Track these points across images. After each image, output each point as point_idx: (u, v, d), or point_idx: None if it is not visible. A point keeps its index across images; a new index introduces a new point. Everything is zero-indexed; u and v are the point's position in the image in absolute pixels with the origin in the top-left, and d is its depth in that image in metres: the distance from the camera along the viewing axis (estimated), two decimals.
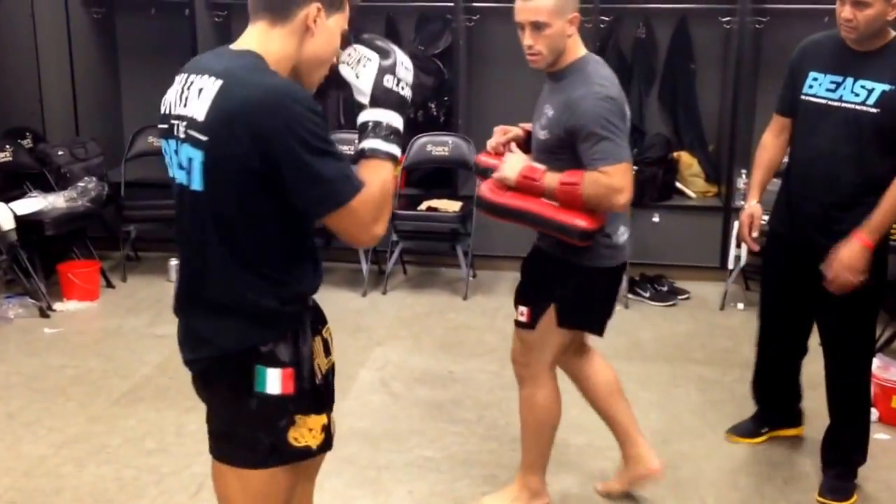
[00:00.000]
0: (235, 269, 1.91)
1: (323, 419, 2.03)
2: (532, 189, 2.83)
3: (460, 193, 5.82)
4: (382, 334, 4.92)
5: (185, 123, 1.87)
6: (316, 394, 2.01)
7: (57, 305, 5.17)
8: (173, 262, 5.64)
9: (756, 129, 5.82)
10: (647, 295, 5.46)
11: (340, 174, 1.84)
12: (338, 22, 1.96)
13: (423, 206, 5.57)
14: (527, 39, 2.78)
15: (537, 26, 2.75)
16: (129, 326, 4.99)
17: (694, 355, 4.70)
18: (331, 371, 2.11)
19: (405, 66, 1.99)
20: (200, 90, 1.85)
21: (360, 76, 1.95)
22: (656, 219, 5.77)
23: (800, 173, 3.31)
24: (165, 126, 1.96)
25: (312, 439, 2.01)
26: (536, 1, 2.74)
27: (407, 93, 1.99)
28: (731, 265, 5.34)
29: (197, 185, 1.87)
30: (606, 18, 5.78)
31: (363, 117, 1.96)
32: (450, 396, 4.16)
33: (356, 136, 2.01)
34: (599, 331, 3.19)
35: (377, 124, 1.94)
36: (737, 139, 5.63)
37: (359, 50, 1.98)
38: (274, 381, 1.94)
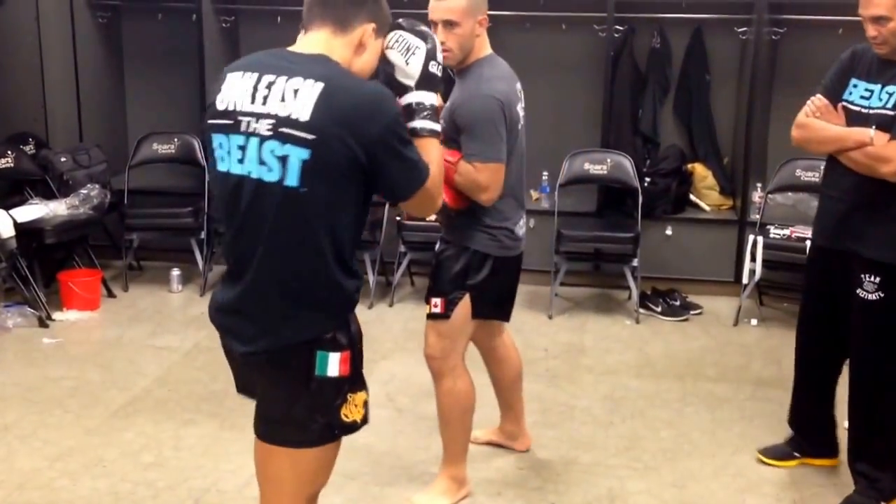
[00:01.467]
0: (321, 259, 2.05)
1: (364, 395, 2.20)
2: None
3: None
4: (389, 347, 4.81)
5: (271, 121, 2.00)
6: (360, 373, 2.19)
7: (56, 315, 5.08)
8: (175, 272, 5.56)
9: (771, 142, 5.73)
10: (659, 309, 5.34)
11: (419, 160, 2.11)
12: (381, 44, 2.20)
13: (432, 217, 5.45)
14: (439, 36, 2.87)
15: (449, 24, 2.96)
16: (130, 337, 4.89)
17: (706, 372, 4.58)
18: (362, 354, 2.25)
19: (439, 48, 2.27)
20: (295, 91, 1.99)
21: (410, 62, 2.20)
22: (669, 231, 5.67)
23: (836, 181, 3.31)
24: (229, 122, 2.06)
25: (357, 414, 2.18)
26: (448, 2, 2.96)
27: (440, 73, 2.26)
28: (745, 280, 5.22)
29: (292, 181, 1.99)
30: (620, 28, 5.69)
31: (409, 99, 2.21)
32: None
33: None
34: (506, 317, 3.43)
35: (421, 104, 2.21)
36: (752, 152, 5.52)
37: (405, 37, 2.21)
38: (334, 365, 2.10)
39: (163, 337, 4.87)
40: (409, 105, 2.20)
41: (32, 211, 5.07)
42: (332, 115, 1.98)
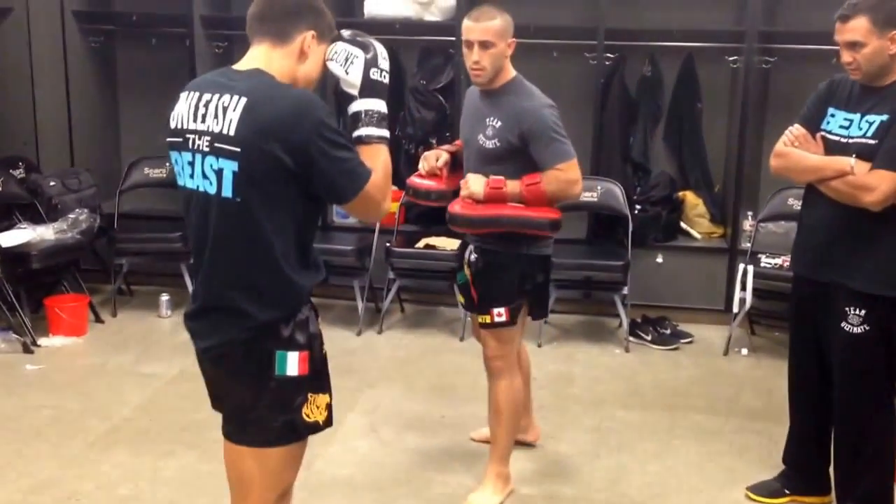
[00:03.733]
0: (269, 258, 2.15)
1: (327, 398, 2.30)
2: (499, 197, 3.25)
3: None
4: (375, 376, 4.77)
5: (208, 138, 2.12)
6: (322, 375, 2.28)
7: (42, 340, 5.03)
8: (164, 297, 5.53)
9: (763, 171, 5.68)
10: (649, 338, 5.30)
11: (357, 163, 2.16)
12: (324, 49, 2.28)
13: (421, 243, 5.44)
14: (474, 56, 3.21)
15: (485, 45, 3.19)
16: (114, 364, 4.85)
17: (694, 403, 4.53)
18: (326, 357, 2.34)
19: (384, 57, 2.29)
20: (224, 108, 2.11)
21: (350, 72, 2.25)
22: (660, 259, 5.64)
23: (813, 212, 3.29)
24: (179, 139, 2.20)
25: (320, 415, 2.27)
26: (486, 23, 3.20)
27: (387, 80, 2.29)
28: (735, 308, 5.18)
29: (227, 192, 2.11)
30: (611, 56, 5.67)
31: (355, 107, 2.26)
32: (439, 443, 4.01)
33: None
34: (547, 313, 3.77)
35: (368, 112, 2.25)
36: (743, 180, 5.50)
37: (343, 47, 2.27)
38: (293, 364, 2.19)
39: (148, 363, 4.83)
40: (355, 113, 2.26)
41: (18, 235, 5.03)
42: (254, 127, 2.08)
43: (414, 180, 3.49)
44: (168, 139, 2.22)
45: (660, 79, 5.86)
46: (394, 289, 5.46)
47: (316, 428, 2.27)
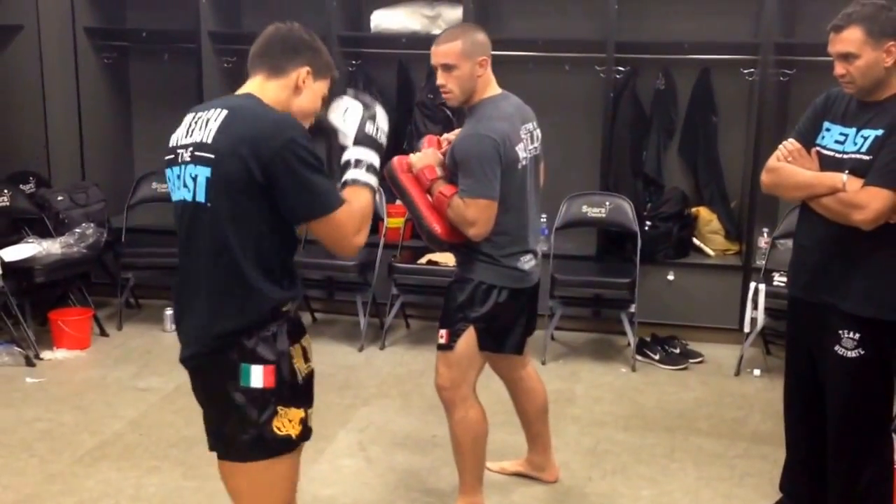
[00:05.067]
0: (235, 266, 2.19)
1: (301, 413, 2.29)
2: (422, 181, 3.23)
3: None
4: (371, 393, 4.71)
5: (190, 148, 2.21)
6: (294, 390, 2.28)
7: (45, 354, 5.05)
8: (168, 311, 5.52)
9: None
10: (657, 357, 5.17)
11: (329, 187, 2.21)
12: (321, 87, 2.38)
13: (424, 259, 5.38)
14: (439, 79, 3.19)
15: (447, 67, 3.16)
16: (113, 378, 4.84)
17: (698, 425, 4.40)
18: (311, 375, 2.36)
19: (384, 118, 2.41)
20: (207, 120, 2.21)
21: (346, 120, 2.36)
22: (671, 276, 5.51)
23: (809, 230, 3.18)
24: (171, 156, 2.29)
25: (292, 429, 2.27)
26: (445, 46, 3.16)
27: (384, 140, 2.40)
28: (747, 328, 5.04)
29: (200, 197, 2.19)
30: (622, 69, 5.58)
31: (347, 156, 2.35)
32: (428, 463, 3.93)
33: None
34: (518, 350, 3.46)
35: (358, 161, 2.34)
36: (759, 195, 5.34)
37: (345, 101, 2.39)
38: (257, 376, 2.22)
39: (146, 378, 4.82)
40: (346, 161, 2.34)
41: (22, 250, 5.05)
42: (230, 136, 2.17)
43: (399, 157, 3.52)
44: (165, 157, 2.32)
45: (674, 92, 5.75)
46: (397, 304, 5.41)
47: (289, 442, 2.27)
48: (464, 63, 3.14)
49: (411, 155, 3.32)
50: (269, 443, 2.25)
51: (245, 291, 2.21)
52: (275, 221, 2.21)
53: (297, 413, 2.28)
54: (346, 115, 2.37)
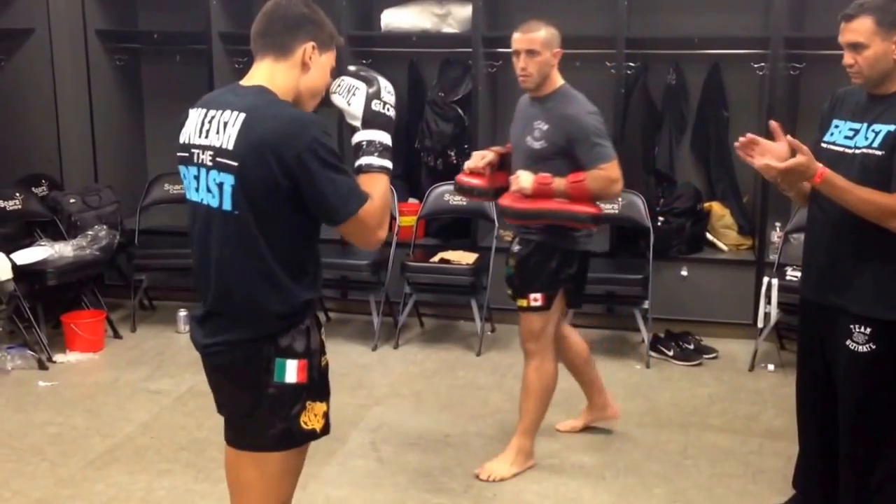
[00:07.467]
0: (265, 268, 2.20)
1: (325, 406, 2.34)
2: (545, 192, 3.56)
3: (479, 245, 5.61)
4: (384, 392, 4.70)
5: (210, 152, 2.18)
6: (321, 383, 2.32)
7: (58, 356, 5.06)
8: (181, 312, 5.53)
9: None
10: (671, 353, 5.14)
11: (352, 188, 2.19)
12: (328, 59, 2.33)
13: (437, 258, 5.37)
14: (521, 63, 3.59)
15: (531, 53, 3.57)
16: (125, 380, 4.84)
17: (712, 422, 4.37)
18: (328, 368, 2.38)
19: (388, 91, 2.35)
20: (225, 123, 2.17)
21: (352, 103, 2.31)
22: (684, 272, 5.48)
23: (815, 231, 3.13)
24: (185, 154, 2.27)
25: (317, 423, 2.32)
26: (531, 34, 3.58)
27: (392, 113, 2.35)
28: (760, 323, 5.00)
29: (227, 205, 2.18)
30: (633, 65, 5.55)
31: (357, 138, 2.31)
32: (440, 463, 3.92)
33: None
34: (581, 304, 4.08)
35: (370, 143, 2.30)
36: (771, 190, 5.30)
37: (347, 80, 2.33)
38: (292, 371, 2.25)
39: (159, 380, 4.83)
40: (358, 144, 2.31)
41: (35, 253, 5.07)
42: (251, 143, 2.14)
43: (460, 177, 3.85)
44: (178, 154, 2.31)
45: (684, 87, 5.72)
46: (410, 303, 5.40)
47: (313, 435, 2.32)
48: (545, 51, 3.56)
49: (511, 186, 3.62)
50: (295, 436, 2.29)
51: (278, 293, 2.22)
52: (301, 221, 2.23)
53: (321, 407, 2.33)
54: (350, 96, 2.32)
